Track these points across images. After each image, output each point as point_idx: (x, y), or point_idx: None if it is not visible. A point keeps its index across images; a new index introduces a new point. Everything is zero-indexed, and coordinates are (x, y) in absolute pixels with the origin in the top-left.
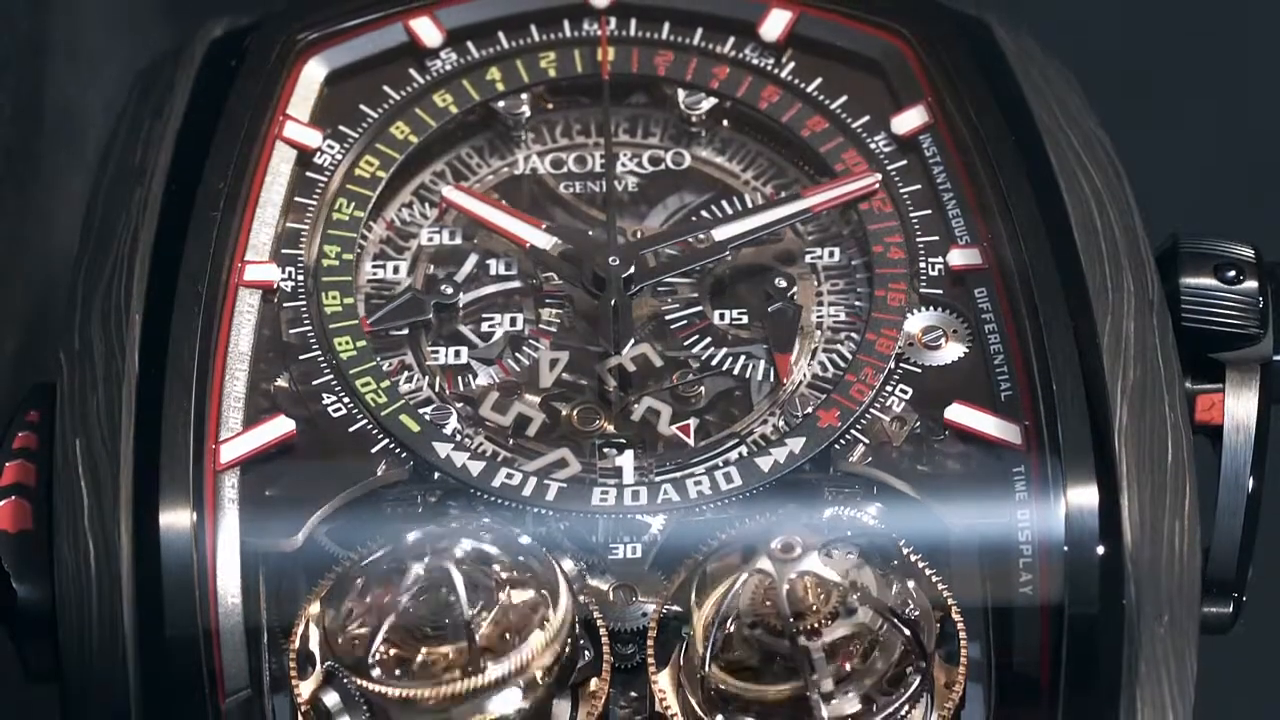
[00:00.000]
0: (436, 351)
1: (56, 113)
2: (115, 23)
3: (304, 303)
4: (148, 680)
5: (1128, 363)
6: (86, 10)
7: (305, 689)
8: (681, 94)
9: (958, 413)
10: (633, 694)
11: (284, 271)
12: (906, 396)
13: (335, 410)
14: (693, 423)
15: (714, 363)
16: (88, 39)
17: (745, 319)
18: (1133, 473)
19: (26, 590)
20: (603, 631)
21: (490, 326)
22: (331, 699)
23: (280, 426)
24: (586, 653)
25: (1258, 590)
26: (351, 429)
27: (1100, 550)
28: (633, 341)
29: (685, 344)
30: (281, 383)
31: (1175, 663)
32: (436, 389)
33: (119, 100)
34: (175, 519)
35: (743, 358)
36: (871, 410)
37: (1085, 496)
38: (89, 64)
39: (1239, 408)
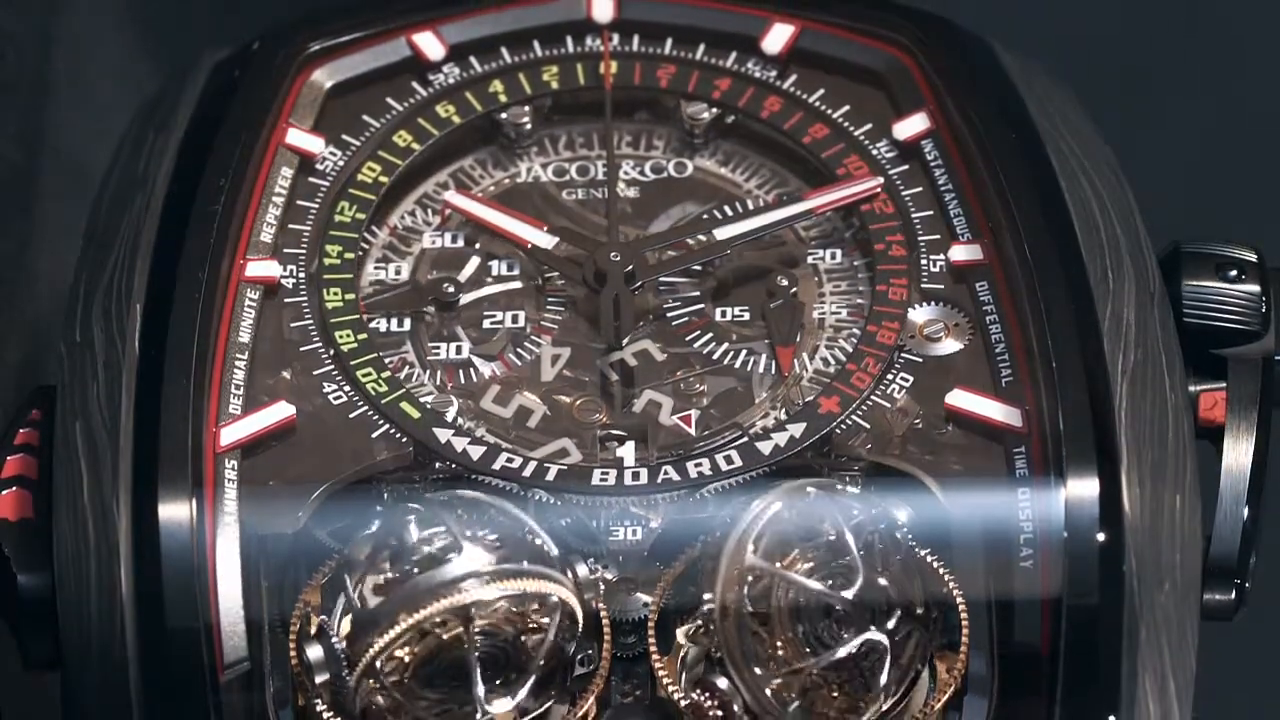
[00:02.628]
0: (437, 348)
1: (60, 143)
2: (119, 67)
3: (305, 298)
4: (146, 652)
5: (1128, 346)
6: (91, 50)
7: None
8: (684, 106)
9: (959, 398)
10: (633, 680)
11: (285, 269)
12: (908, 384)
13: (336, 398)
14: (694, 414)
15: (715, 357)
16: (91, 77)
17: (746, 316)
18: (1132, 447)
19: (27, 577)
20: (605, 623)
21: (492, 324)
22: (315, 652)
23: (280, 411)
24: (588, 658)
25: (1260, 580)
26: (352, 415)
27: (1100, 520)
28: (634, 337)
29: (686, 339)
30: (284, 374)
31: (1176, 631)
32: (438, 383)
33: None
34: (174, 497)
35: (744, 352)
36: (873, 398)
37: (1085, 469)
38: (92, 101)
39: (1241, 400)
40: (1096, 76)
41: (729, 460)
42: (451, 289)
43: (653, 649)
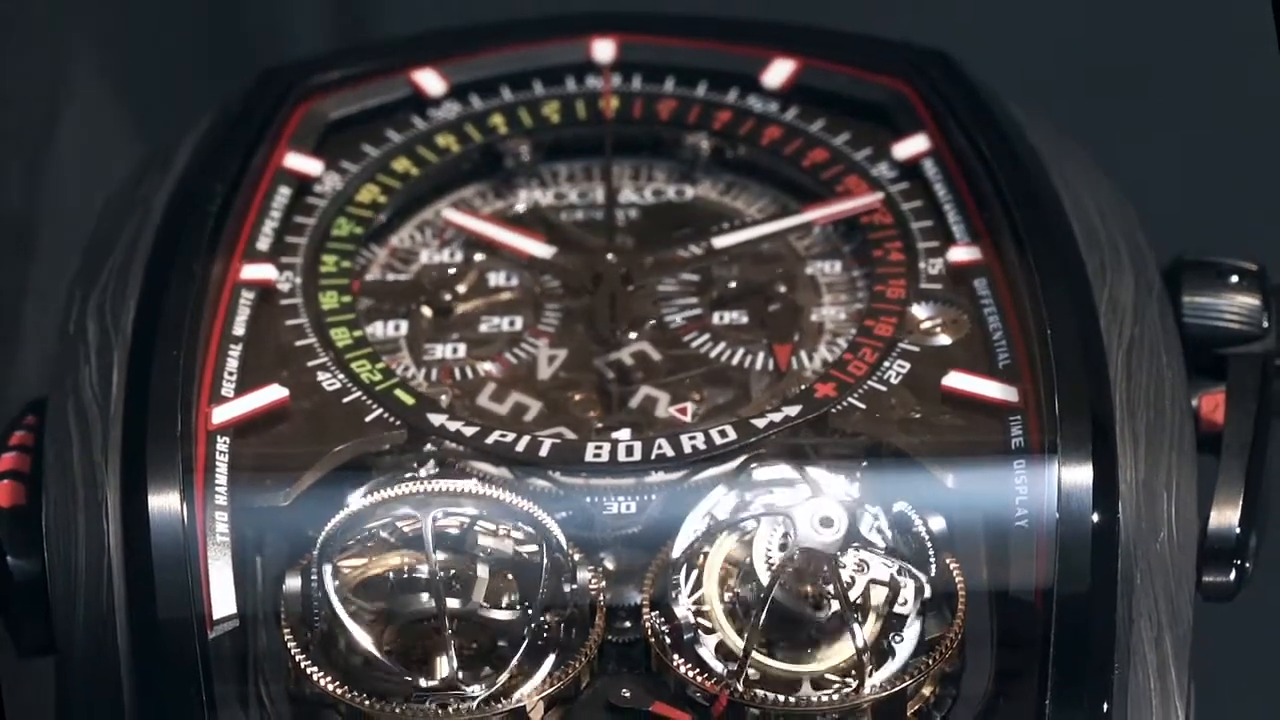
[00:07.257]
0: (433, 348)
1: (63, 192)
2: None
3: (301, 300)
4: (134, 618)
5: (1124, 325)
6: (97, 108)
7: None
8: (684, 138)
9: (956, 379)
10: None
11: (282, 274)
12: (904, 371)
13: (330, 385)
14: (690, 405)
15: (712, 356)
16: (89, 138)
17: (745, 321)
18: (1127, 408)
19: (18, 562)
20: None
21: (489, 329)
22: (292, 584)
23: (273, 393)
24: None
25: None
26: (346, 400)
27: (1095, 473)
28: (633, 336)
29: (684, 340)
30: (278, 369)
31: (1173, 581)
32: (433, 380)
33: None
34: (162, 465)
35: (741, 350)
36: (869, 383)
37: (1080, 427)
38: (91, 160)
39: (1241, 392)
40: (1096, 91)
41: (723, 434)
42: (449, 297)
43: (650, 622)
